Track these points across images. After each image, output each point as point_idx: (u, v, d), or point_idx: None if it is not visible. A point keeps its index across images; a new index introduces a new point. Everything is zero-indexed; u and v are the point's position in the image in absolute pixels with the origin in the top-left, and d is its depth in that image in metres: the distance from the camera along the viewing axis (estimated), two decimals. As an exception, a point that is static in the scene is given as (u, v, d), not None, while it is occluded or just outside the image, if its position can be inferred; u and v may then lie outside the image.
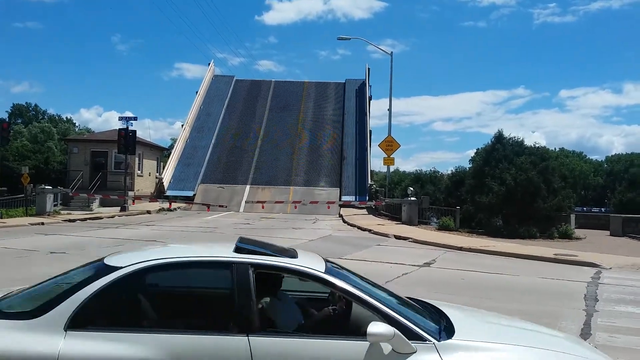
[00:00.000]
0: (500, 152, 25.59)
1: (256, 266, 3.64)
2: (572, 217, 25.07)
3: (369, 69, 47.27)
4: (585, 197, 75.54)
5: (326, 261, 4.01)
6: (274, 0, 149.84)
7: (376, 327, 3.19)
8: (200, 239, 17.45)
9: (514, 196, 22.18)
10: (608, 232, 25.41)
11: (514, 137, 27.28)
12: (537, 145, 27.44)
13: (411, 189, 27.71)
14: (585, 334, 6.62)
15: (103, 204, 31.42)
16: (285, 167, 39.20)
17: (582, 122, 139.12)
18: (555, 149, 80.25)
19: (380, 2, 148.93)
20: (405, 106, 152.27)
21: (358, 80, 47.57)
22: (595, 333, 6.65)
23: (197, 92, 44.97)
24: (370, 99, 45.04)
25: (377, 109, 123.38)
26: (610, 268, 12.76)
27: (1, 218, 23.10)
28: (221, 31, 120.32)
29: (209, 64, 48.67)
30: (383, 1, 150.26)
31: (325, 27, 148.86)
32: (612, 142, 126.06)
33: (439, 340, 3.34)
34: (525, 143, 27.06)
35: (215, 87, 46.50)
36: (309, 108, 44.78)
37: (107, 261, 3.76)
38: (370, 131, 42.07)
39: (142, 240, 16.22)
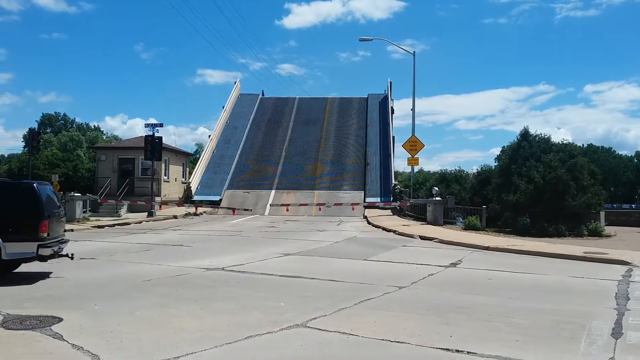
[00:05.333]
0: (527, 150, 25.26)
1: None
2: (602, 214, 24.60)
3: (390, 82, 48.88)
4: (615, 194, 74.10)
5: None
6: (293, 4, 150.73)
7: None
8: (226, 243, 17.59)
9: (542, 194, 21.86)
10: (639, 229, 24.88)
11: (541, 134, 26.93)
12: (564, 142, 27.04)
13: (436, 188, 27.52)
14: (617, 333, 6.49)
15: (131, 209, 31.92)
16: (309, 173, 39.87)
17: (609, 117, 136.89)
18: (583, 145, 79.02)
19: (399, 1, 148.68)
20: (427, 105, 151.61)
21: (380, 94, 49.14)
22: (627, 332, 6.52)
23: (223, 107, 47.22)
24: (393, 112, 46.05)
25: (399, 109, 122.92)
26: (643, 266, 12.47)
27: (33, 225, 23.59)
28: (243, 36, 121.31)
29: (235, 82, 51.18)
30: (402, 1, 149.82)
31: (344, 29, 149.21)
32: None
33: None
34: (552, 140, 26.68)
35: (241, 104, 48.83)
36: (333, 121, 46.44)
37: None
38: (394, 137, 42.71)
39: (169, 245, 16.43)
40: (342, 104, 49.00)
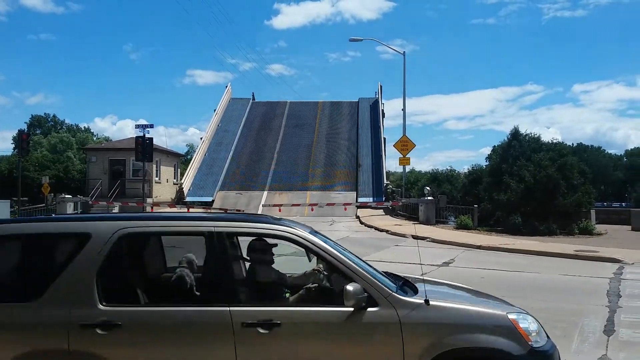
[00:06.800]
0: (517, 149, 25.37)
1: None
2: (593, 212, 24.75)
3: (381, 86, 49.14)
4: (605, 192, 74.57)
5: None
6: (282, 4, 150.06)
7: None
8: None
9: (532, 193, 21.97)
10: (629, 227, 25.04)
11: (531, 134, 27.04)
12: (554, 141, 27.16)
13: (428, 188, 27.58)
14: (609, 330, 6.54)
15: (122, 211, 31.75)
16: (301, 175, 39.92)
17: (597, 116, 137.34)
18: (572, 144, 79.46)
19: (388, 2, 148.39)
20: (417, 105, 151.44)
21: (371, 98, 49.56)
22: (619, 329, 6.56)
23: (215, 110, 47.03)
24: (383, 115, 46.41)
25: (389, 109, 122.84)
26: (633, 263, 12.58)
27: (23, 228, 23.43)
28: (232, 37, 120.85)
29: (227, 86, 51.30)
30: (391, 1, 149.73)
31: (334, 29, 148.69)
32: (629, 135, 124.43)
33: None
34: (542, 139, 26.81)
35: (232, 108, 48.96)
36: (324, 124, 46.74)
37: None
38: (385, 138, 43.05)
39: (162, 247, 16.34)
40: (333, 108, 49.43)
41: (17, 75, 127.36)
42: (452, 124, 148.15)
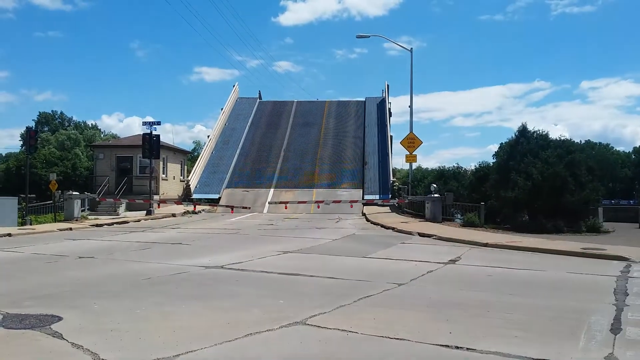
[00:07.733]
0: (525, 146, 25.25)
1: None
2: (600, 210, 24.64)
3: (388, 85, 49.68)
4: (613, 189, 74.22)
5: None
6: (289, 1, 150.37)
7: None
8: (225, 241, 17.59)
9: (540, 191, 21.88)
10: (637, 225, 24.93)
11: (539, 131, 26.89)
12: (562, 138, 27.00)
13: (434, 185, 27.51)
14: (616, 328, 6.50)
15: (129, 208, 31.93)
16: (308, 172, 40.30)
17: (605, 113, 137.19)
18: (580, 141, 79.09)
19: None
20: (424, 102, 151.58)
21: (377, 97, 50.15)
22: (626, 328, 6.53)
23: (222, 109, 47.71)
24: (390, 114, 46.80)
25: (396, 106, 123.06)
26: (641, 261, 12.49)
27: (30, 224, 23.59)
28: (239, 34, 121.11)
29: (234, 85, 52.25)
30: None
31: (340, 26, 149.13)
32: (637, 132, 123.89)
33: None
34: (550, 136, 26.66)
35: (239, 107, 49.93)
36: (331, 123, 47.39)
37: None
38: (391, 136, 43.41)
39: (168, 243, 16.43)
40: (339, 107, 49.93)
41: (25, 73, 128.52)
42: (459, 121, 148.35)
